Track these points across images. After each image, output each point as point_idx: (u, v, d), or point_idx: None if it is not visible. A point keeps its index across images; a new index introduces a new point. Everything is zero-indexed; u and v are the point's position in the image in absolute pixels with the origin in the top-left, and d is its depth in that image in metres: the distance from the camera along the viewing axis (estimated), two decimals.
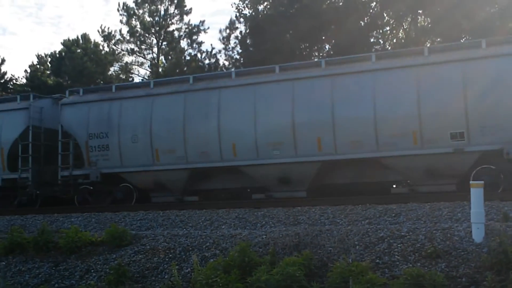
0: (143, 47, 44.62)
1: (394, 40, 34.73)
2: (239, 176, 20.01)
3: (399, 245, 11.40)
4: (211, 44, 55.09)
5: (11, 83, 51.68)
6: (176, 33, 44.45)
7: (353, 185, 19.11)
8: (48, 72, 48.56)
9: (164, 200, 20.66)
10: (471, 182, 11.67)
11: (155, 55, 44.73)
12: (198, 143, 20.03)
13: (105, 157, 21.48)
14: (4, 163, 23.16)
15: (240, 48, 38.13)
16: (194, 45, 44.12)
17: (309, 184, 19.04)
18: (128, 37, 44.35)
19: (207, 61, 41.98)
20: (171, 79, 23.62)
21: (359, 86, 18.29)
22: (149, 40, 44.53)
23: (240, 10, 38.21)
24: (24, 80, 49.76)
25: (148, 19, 44.05)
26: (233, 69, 24.62)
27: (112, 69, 46.35)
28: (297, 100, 18.93)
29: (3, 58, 55.51)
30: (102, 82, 42.69)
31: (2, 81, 52.03)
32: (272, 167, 19.12)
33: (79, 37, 48.23)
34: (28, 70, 49.83)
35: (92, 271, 13.21)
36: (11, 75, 57.55)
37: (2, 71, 54.26)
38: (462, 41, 23.97)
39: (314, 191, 19.38)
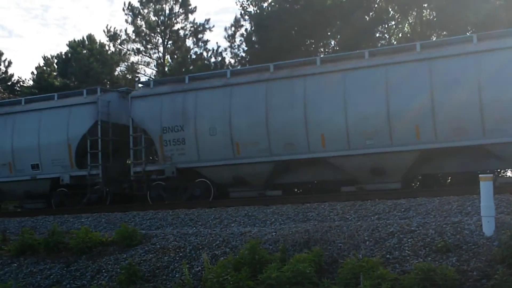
0: (148, 46, 44.62)
1: (400, 35, 34.61)
2: (326, 168, 19.19)
3: (409, 240, 11.40)
4: (217, 42, 55.18)
5: (18, 85, 51.83)
6: (181, 32, 44.44)
7: (458, 174, 18.26)
8: (54, 73, 48.62)
9: (244, 196, 19.69)
10: (480, 175, 11.63)
11: (161, 55, 44.75)
12: (283, 135, 19.10)
13: (180, 152, 20.53)
14: (72, 159, 22.40)
15: (246, 46, 38.09)
16: (200, 43, 44.15)
17: (404, 175, 18.27)
18: (133, 37, 44.40)
19: (213, 60, 41.98)
20: (249, 68, 22.60)
21: (462, 69, 17.26)
22: (154, 40, 44.51)
23: (245, 7, 38.17)
24: (31, 82, 49.89)
25: (153, 18, 44.04)
26: (318, 56, 23.31)
27: (118, 69, 46.42)
28: (391, 86, 17.95)
29: (10, 60, 55.64)
30: (108, 82, 42.72)
31: (9, 83, 52.20)
32: (364, 157, 18.22)
33: (85, 38, 48.32)
34: (35, 72, 49.97)
35: (103, 271, 13.27)
36: (18, 77, 57.85)
37: (9, 74, 54.51)
38: (468, 34, 23.81)
39: (409, 182, 18.60)
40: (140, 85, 22.18)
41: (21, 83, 52.12)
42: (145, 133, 21.46)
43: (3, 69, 54.76)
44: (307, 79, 19.13)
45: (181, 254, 13.09)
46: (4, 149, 23.48)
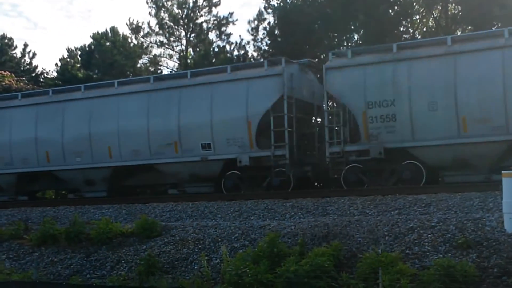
0: (171, 39, 44.77)
1: (424, 29, 34.34)
2: None
3: (429, 235, 11.31)
4: (240, 35, 55.09)
5: (42, 77, 52.38)
6: (204, 25, 44.55)
7: None
8: (78, 65, 49.00)
9: (462, 180, 17.42)
10: (503, 172, 11.49)
11: (183, 47, 44.86)
12: None
13: (389, 129, 18.15)
14: (252, 139, 19.87)
15: (269, 39, 38.05)
16: (223, 36, 44.20)
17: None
18: (156, 29, 44.56)
19: (235, 53, 42.00)
20: (476, 34, 19.89)
21: None
22: (177, 32, 44.66)
23: (269, 0, 38.14)
24: (55, 74, 50.36)
25: (177, 11, 44.17)
26: None
27: (140, 61, 46.65)
28: None
29: (34, 52, 56.30)
30: (131, 75, 42.93)
31: (33, 74, 52.76)
32: None
33: (108, 30, 48.62)
34: (59, 64, 50.41)
35: (123, 261, 13.35)
36: (42, 68, 58.51)
37: (33, 65, 55.16)
38: (493, 28, 23.45)
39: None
40: (332, 56, 19.80)
41: (45, 75, 52.75)
42: (343, 109, 19.20)
43: (28, 60, 55.56)
44: None
45: (200, 246, 13.13)
46: (170, 127, 21.06)
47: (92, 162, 22.43)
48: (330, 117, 19.55)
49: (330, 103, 21.07)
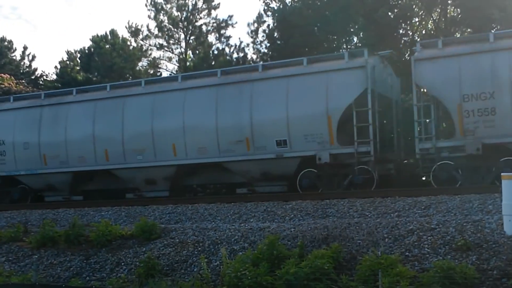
0: (171, 41, 44.80)
1: (423, 32, 34.36)
2: None
3: (429, 237, 11.31)
4: (239, 38, 55.06)
5: (42, 79, 52.40)
6: (204, 28, 44.57)
7: None
8: (77, 68, 49.02)
9: None
10: (502, 174, 11.50)
11: (183, 50, 44.87)
12: None
13: (488, 124, 17.31)
14: (332, 134, 18.93)
15: (268, 42, 38.09)
16: (222, 39, 44.23)
17: None
18: (156, 32, 44.58)
19: (235, 55, 42.07)
20: None
21: None
22: (177, 35, 44.68)
23: (268, 3, 38.17)
24: (54, 76, 50.40)
25: (176, 13, 44.19)
26: None
27: (140, 64, 46.66)
28: None
29: (34, 54, 56.25)
30: (131, 77, 42.93)
31: (33, 77, 52.76)
32: None
33: (108, 33, 48.65)
34: (58, 66, 50.45)
35: (123, 264, 13.34)
36: (42, 71, 58.58)
37: (33, 68, 55.16)
38: (493, 31, 23.45)
39: None
40: (420, 46, 19.04)
41: (45, 77, 52.74)
42: (435, 102, 18.46)
43: (27, 63, 55.57)
44: None
45: (199, 248, 13.12)
46: (241, 123, 20.19)
47: (155, 160, 21.53)
48: (419, 111, 18.60)
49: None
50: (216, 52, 43.08)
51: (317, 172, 19.26)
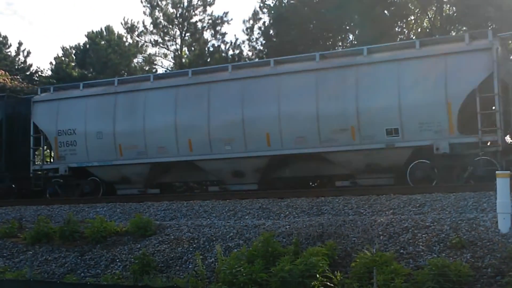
0: (166, 38, 44.71)
1: (419, 30, 34.41)
2: None
3: (423, 235, 11.34)
4: (235, 35, 54.94)
5: (37, 75, 52.29)
6: (199, 24, 44.50)
7: None
8: (73, 64, 48.93)
9: None
10: (497, 172, 11.53)
11: (178, 46, 44.82)
12: None
13: None
14: (452, 123, 17.35)
15: (264, 39, 38.07)
16: (218, 36, 44.16)
17: None
18: (151, 29, 44.50)
19: (230, 52, 42.02)
20: None
21: None
22: (172, 32, 44.60)
23: (264, 0, 38.18)
24: (49, 72, 50.30)
25: (171, 10, 44.13)
26: None
27: (135, 60, 46.60)
28: None
29: (29, 50, 56.19)
30: (126, 74, 42.86)
31: (28, 73, 52.64)
32: None
33: (103, 29, 48.55)
34: (53, 62, 50.36)
35: (117, 260, 13.33)
36: (37, 67, 58.46)
37: (28, 64, 55.04)
38: (489, 29, 23.42)
39: None
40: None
41: (40, 73, 52.62)
42: None
43: (22, 59, 55.44)
44: None
45: (194, 245, 13.13)
46: (346, 111, 18.64)
47: (245, 151, 19.96)
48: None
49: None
50: (211, 49, 43.03)
51: (431, 163, 17.86)
